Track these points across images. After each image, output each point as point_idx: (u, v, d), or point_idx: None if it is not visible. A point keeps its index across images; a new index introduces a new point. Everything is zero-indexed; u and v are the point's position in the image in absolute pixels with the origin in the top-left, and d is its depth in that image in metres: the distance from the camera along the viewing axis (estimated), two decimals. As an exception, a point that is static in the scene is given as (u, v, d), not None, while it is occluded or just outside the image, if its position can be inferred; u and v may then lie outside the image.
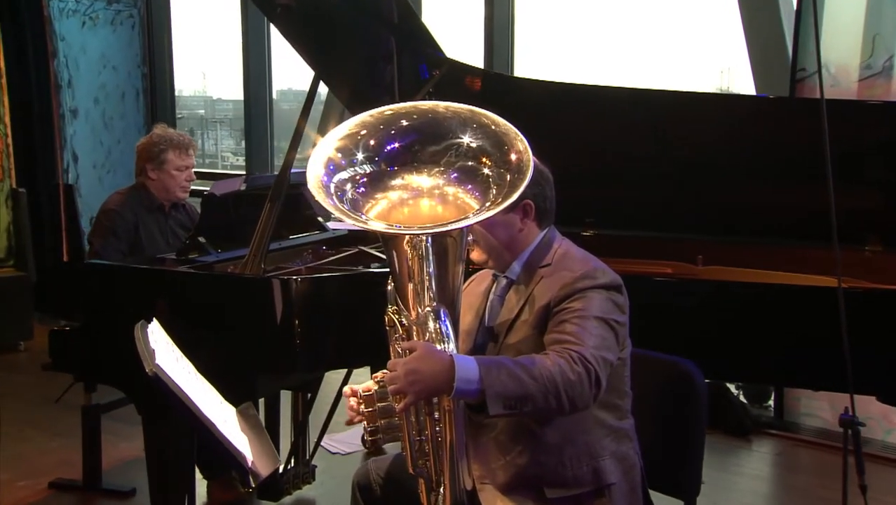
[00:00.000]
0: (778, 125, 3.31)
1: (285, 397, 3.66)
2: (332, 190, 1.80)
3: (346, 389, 2.06)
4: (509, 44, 5.69)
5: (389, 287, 2.01)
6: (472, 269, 2.16)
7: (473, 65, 3.59)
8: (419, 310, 1.86)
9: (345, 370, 3.76)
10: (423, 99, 3.56)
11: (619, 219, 3.64)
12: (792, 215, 3.32)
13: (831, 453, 4.27)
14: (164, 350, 1.98)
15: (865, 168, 3.21)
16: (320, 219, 3.92)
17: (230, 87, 8.18)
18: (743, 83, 5.16)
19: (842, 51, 4.35)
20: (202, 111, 8.03)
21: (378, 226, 1.76)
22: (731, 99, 3.91)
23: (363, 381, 2.11)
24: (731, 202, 3.38)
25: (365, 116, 1.90)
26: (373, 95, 3.65)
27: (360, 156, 1.87)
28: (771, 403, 4.81)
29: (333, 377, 3.77)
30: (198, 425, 1.81)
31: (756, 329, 2.87)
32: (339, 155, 1.86)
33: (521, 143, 1.80)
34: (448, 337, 1.76)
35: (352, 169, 1.86)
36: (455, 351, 1.73)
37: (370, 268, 3.49)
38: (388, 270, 2.81)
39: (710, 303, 2.96)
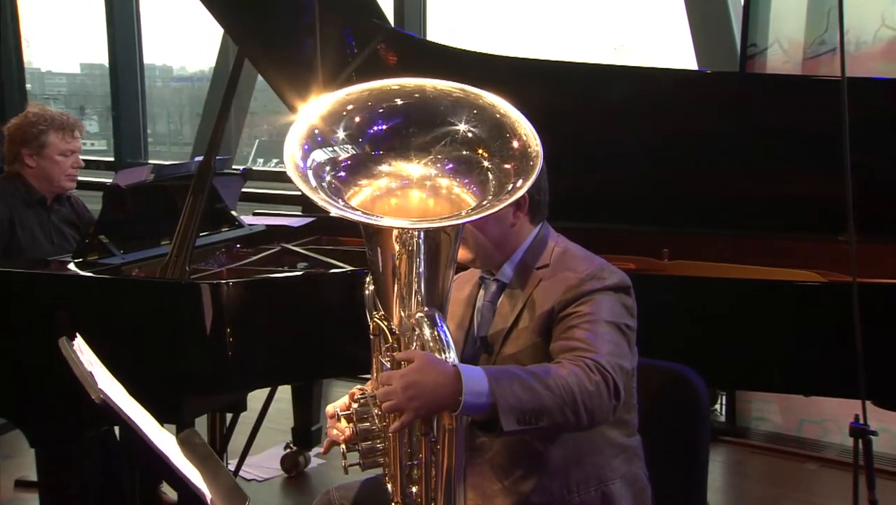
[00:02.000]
0: (745, 105, 3.39)
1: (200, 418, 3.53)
2: (310, 173, 1.73)
3: (329, 408, 2.00)
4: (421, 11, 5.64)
5: (368, 290, 1.96)
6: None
7: (417, 35, 3.54)
8: (403, 315, 1.82)
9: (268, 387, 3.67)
10: (347, 77, 3.52)
11: (572, 209, 3.65)
12: (765, 204, 3.42)
13: (789, 459, 4.43)
14: (100, 372, 1.87)
15: (839, 151, 3.31)
16: (234, 213, 3.81)
17: (62, 58, 7.89)
18: (638, 62, 5.31)
19: (794, 25, 4.50)
20: (28, 86, 7.61)
21: (365, 217, 1.70)
22: (699, 76, 3.97)
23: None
24: (699, 190, 3.45)
25: (351, 90, 1.84)
26: (296, 74, 3.58)
27: (341, 134, 1.80)
28: (717, 407, 4.94)
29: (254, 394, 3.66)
30: (151, 460, 1.71)
31: (732, 329, 2.92)
32: (317, 133, 1.79)
33: (525, 127, 1.77)
34: (448, 345, 1.71)
35: (331, 149, 1.79)
36: (457, 361, 1.69)
37: (296, 268, 3.43)
38: (330, 270, 2.78)
39: (679, 302, 3.00)
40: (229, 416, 3.43)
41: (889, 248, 3.35)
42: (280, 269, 3.38)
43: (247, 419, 3.75)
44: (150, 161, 6.68)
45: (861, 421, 2.04)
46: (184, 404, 2.72)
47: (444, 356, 1.69)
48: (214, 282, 2.71)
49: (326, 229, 3.98)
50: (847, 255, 3.30)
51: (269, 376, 2.88)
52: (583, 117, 3.47)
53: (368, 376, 2.06)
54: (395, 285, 1.82)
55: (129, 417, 1.73)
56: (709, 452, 2.20)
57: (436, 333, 1.72)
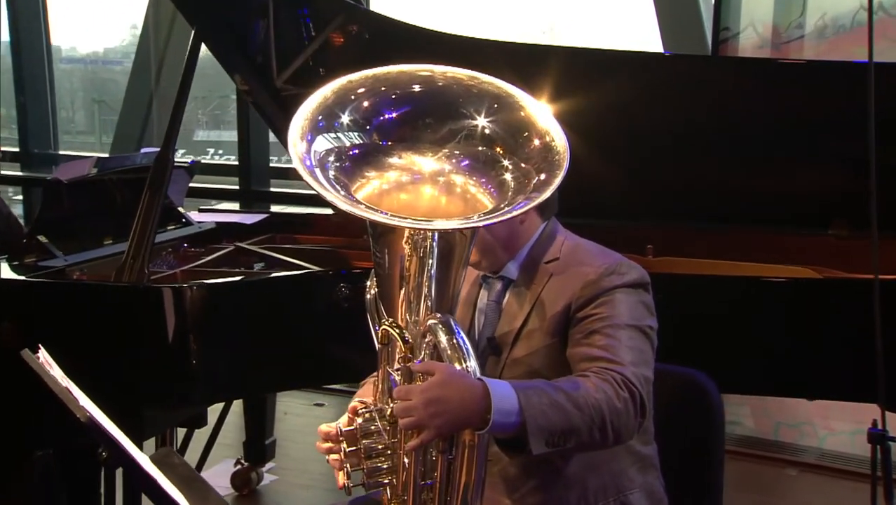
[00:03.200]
0: (724, 92, 3.41)
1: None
2: (314, 162, 1.71)
3: (324, 428, 1.96)
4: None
5: (370, 294, 1.93)
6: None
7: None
8: (409, 321, 1.80)
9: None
10: (304, 63, 3.49)
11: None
12: (751, 197, 3.47)
13: (767, 465, 4.51)
14: (74, 388, 1.81)
15: (827, 141, 3.38)
16: (181, 210, 3.74)
17: None
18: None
19: (767, 9, 4.59)
20: None
21: (376, 215, 1.67)
22: (678, 60, 3.98)
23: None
24: (683, 182, 3.48)
25: (356, 76, 1.82)
26: (248, 61, 3.53)
27: (345, 119, 1.77)
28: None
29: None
30: (141, 483, 1.66)
31: (727, 330, 2.96)
32: (321, 119, 1.76)
33: (548, 123, 1.76)
34: (468, 353, 1.69)
35: (334, 136, 1.76)
36: (478, 370, 1.68)
37: (253, 269, 3.39)
38: (294, 272, 2.73)
39: (668, 302, 3.02)
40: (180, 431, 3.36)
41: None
42: (237, 270, 3.33)
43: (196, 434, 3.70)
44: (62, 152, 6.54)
45: (881, 427, 2.06)
46: (144, 420, 2.66)
47: (464, 366, 1.67)
48: (177, 285, 2.65)
49: (280, 226, 3.94)
50: (837, 250, 3.43)
51: (236, 388, 2.84)
52: (559, 105, 3.48)
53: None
54: (403, 289, 1.79)
55: (115, 437, 1.67)
56: (723, 462, 2.21)
57: (455, 340, 1.70)
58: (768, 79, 3.40)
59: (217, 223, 3.85)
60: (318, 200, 5.14)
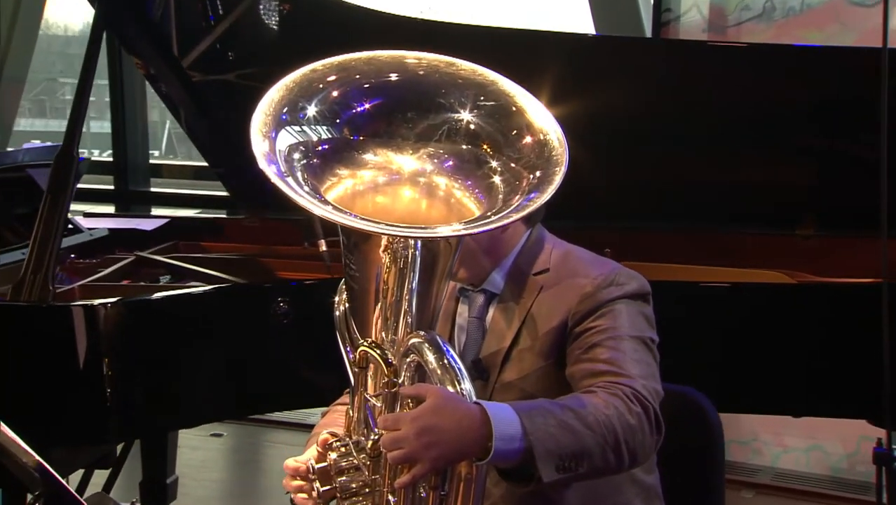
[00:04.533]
0: (669, 79, 3.47)
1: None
2: (280, 159, 1.67)
3: (290, 462, 1.91)
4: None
5: (339, 310, 1.90)
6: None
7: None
8: (385, 339, 1.77)
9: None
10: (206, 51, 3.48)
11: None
12: (713, 194, 3.56)
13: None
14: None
15: (788, 133, 3.47)
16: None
17: None
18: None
19: (715, -11, 4.70)
20: None
21: (356, 221, 1.63)
22: (616, 42, 4.03)
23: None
24: (640, 178, 3.52)
25: (321, 64, 1.77)
26: (149, 40, 3.46)
27: (312, 111, 1.73)
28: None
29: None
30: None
31: (700, 338, 3.01)
32: (285, 112, 1.72)
33: (542, 118, 1.75)
34: (461, 374, 1.66)
35: (299, 129, 1.73)
36: (473, 392, 1.66)
37: (158, 282, 3.32)
38: (223, 285, 2.67)
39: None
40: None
41: (846, 243, 3.52)
42: (141, 283, 3.25)
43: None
44: None
45: (885, 446, 2.12)
46: (51, 462, 2.56)
47: (458, 388, 1.65)
48: (89, 304, 2.57)
49: (184, 232, 3.86)
50: (805, 251, 3.53)
51: (157, 420, 2.76)
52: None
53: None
54: (380, 304, 1.76)
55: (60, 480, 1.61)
56: (724, 486, 2.24)
57: (445, 360, 1.67)
58: (720, 64, 3.48)
59: (110, 230, 3.75)
60: (217, 201, 5.21)
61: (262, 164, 1.63)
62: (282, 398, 2.96)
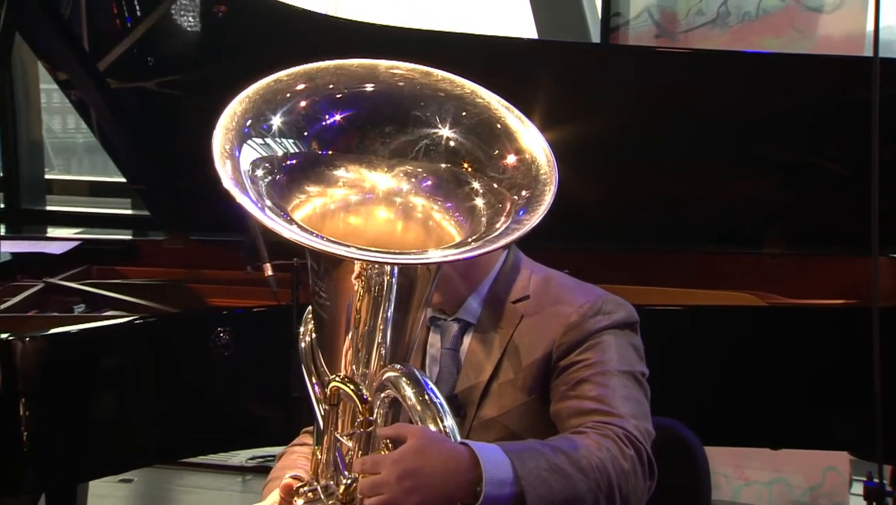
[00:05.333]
0: (621, 86, 3.48)
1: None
2: (243, 176, 1.65)
3: None
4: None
5: (305, 342, 1.88)
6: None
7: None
8: (355, 372, 1.76)
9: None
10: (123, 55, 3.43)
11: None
12: (674, 211, 3.59)
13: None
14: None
15: (752, 145, 3.51)
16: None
17: None
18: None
19: (667, -8, 4.76)
20: None
21: (323, 245, 1.61)
22: (564, 48, 4.03)
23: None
24: (595, 195, 3.53)
25: (285, 73, 1.76)
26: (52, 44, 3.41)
27: (277, 122, 1.71)
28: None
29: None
30: None
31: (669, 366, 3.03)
32: (248, 125, 1.69)
33: (528, 135, 1.74)
34: (443, 412, 1.65)
35: (261, 141, 1.71)
36: (457, 432, 1.66)
37: (72, 311, 3.26)
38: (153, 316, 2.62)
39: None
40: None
41: (816, 261, 3.59)
42: (53, 314, 3.18)
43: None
44: None
45: (877, 480, 2.15)
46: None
47: (440, 427, 1.64)
48: (2, 337, 2.51)
49: (96, 256, 3.79)
50: (773, 271, 3.58)
51: (81, 467, 2.69)
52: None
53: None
54: (351, 334, 1.75)
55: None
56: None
57: (426, 395, 1.66)
58: (675, 72, 3.50)
59: (13, 254, 3.67)
60: (125, 221, 5.12)
61: (227, 183, 1.61)
62: (222, 439, 2.91)
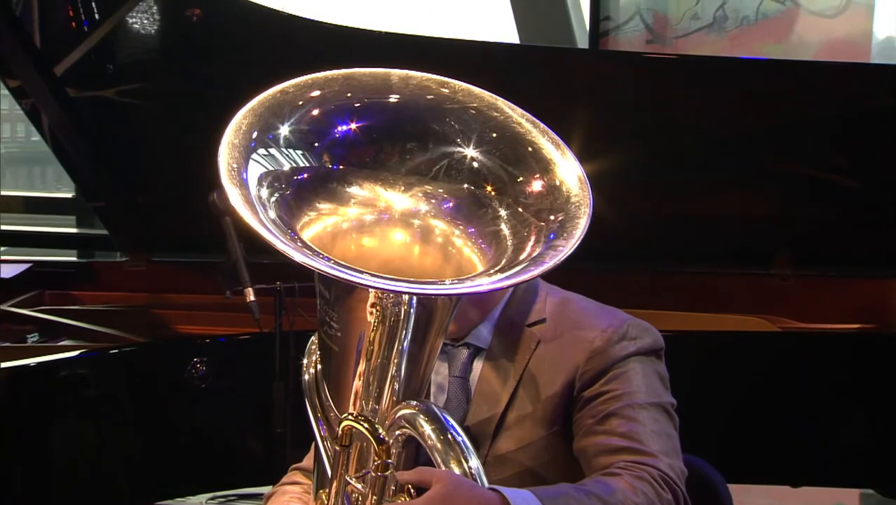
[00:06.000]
0: (611, 94, 3.50)
1: None
2: (252, 193, 1.63)
3: None
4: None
5: (309, 373, 1.85)
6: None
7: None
8: (365, 408, 1.73)
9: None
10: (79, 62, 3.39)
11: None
12: (667, 230, 3.59)
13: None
14: None
15: (765, 157, 3.53)
16: None
17: None
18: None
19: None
20: None
21: (346, 273, 1.59)
22: (553, 54, 4.02)
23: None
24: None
25: (297, 81, 1.73)
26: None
27: (284, 132, 1.69)
28: None
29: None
30: None
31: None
32: (255, 132, 1.66)
33: (559, 152, 1.74)
34: (467, 452, 1.63)
35: (269, 154, 1.69)
36: (483, 475, 1.64)
37: (25, 341, 3.20)
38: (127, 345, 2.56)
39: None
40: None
41: (826, 283, 3.59)
42: (5, 344, 3.13)
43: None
44: None
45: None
46: None
47: (465, 469, 1.62)
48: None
49: (49, 280, 3.73)
50: (784, 291, 3.58)
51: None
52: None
53: None
54: (362, 367, 1.72)
55: None
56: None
57: (449, 435, 1.65)
58: (674, 80, 3.52)
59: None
60: (70, 240, 5.05)
61: (240, 207, 1.58)
62: (199, 479, 2.87)
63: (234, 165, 1.63)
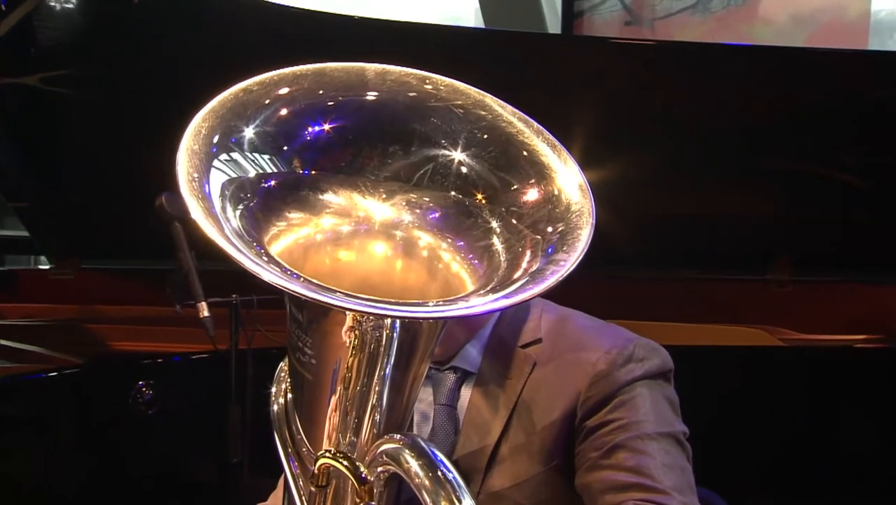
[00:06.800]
0: (619, 84, 3.48)
1: None
2: (215, 205, 1.58)
3: None
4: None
5: (278, 404, 1.80)
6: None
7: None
8: (342, 441, 1.69)
9: None
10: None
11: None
12: (666, 231, 3.58)
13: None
14: None
15: (760, 152, 3.53)
16: None
17: None
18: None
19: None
20: None
21: (319, 294, 1.55)
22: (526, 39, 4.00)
23: None
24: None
25: (257, 80, 1.68)
26: None
27: (249, 135, 1.65)
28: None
29: None
30: None
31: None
32: (216, 136, 1.62)
33: (556, 155, 1.70)
34: (460, 490, 1.58)
35: (230, 158, 1.64)
36: None
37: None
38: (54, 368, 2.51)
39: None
40: None
41: (828, 289, 3.59)
42: None
43: None
44: None
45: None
46: None
47: (455, 508, 1.60)
48: None
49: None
50: (782, 298, 3.58)
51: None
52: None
53: None
54: (337, 396, 1.68)
55: None
56: None
57: (439, 472, 1.61)
58: (661, 68, 3.50)
59: None
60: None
61: (201, 221, 1.53)
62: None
63: (195, 175, 1.58)
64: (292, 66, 1.71)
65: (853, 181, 3.53)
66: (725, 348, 3.27)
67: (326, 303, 1.50)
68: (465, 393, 1.96)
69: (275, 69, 1.69)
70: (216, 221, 1.55)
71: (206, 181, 1.60)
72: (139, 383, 2.71)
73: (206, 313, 2.83)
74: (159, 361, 2.97)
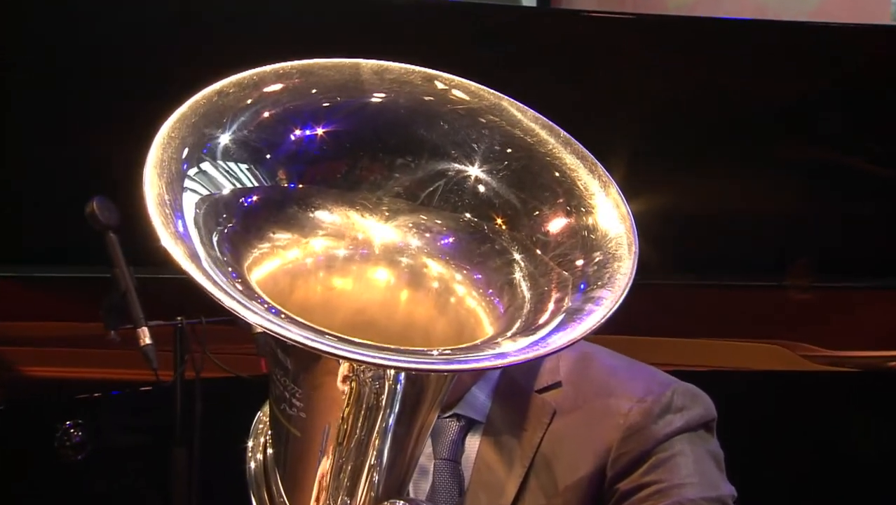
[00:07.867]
0: (608, 64, 3.53)
1: None
2: (189, 227, 1.54)
3: None
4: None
5: (256, 460, 1.76)
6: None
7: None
8: (331, 505, 1.63)
9: None
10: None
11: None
12: (667, 231, 3.50)
13: None
14: None
15: (774, 141, 3.54)
16: None
17: None
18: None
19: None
20: None
21: (310, 338, 1.48)
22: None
23: None
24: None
25: (234, 79, 1.63)
26: None
27: (224, 142, 1.60)
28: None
29: None
30: None
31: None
32: (187, 148, 1.57)
33: (587, 168, 1.64)
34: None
35: (198, 170, 1.59)
36: None
37: None
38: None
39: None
40: None
41: (852, 297, 3.60)
42: None
43: None
44: None
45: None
46: None
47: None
48: None
49: None
50: (803, 307, 3.58)
51: None
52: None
53: None
54: (329, 453, 1.64)
55: None
56: None
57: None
58: (658, 45, 3.55)
59: None
60: None
61: (167, 243, 1.47)
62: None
63: (168, 198, 1.53)
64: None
65: (880, 172, 3.53)
66: (738, 373, 3.28)
67: (315, 349, 1.43)
68: (471, 445, 1.95)
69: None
70: (184, 244, 1.51)
71: (177, 200, 1.56)
72: (66, 423, 2.64)
73: (147, 341, 2.74)
74: (95, 395, 2.89)
